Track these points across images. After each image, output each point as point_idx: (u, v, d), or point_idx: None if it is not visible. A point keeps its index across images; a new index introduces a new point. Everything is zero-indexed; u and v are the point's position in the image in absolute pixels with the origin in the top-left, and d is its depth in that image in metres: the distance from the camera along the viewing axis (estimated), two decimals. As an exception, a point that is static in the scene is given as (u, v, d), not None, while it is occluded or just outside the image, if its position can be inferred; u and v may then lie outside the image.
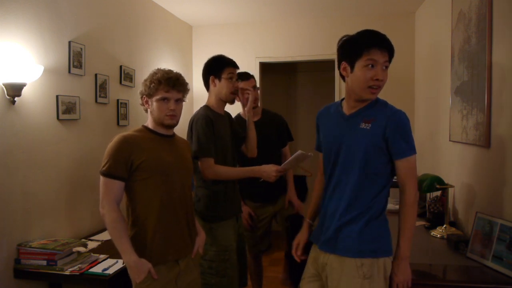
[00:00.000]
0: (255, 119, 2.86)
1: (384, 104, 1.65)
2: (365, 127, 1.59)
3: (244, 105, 2.78)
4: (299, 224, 2.42)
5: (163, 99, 1.76)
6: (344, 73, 1.63)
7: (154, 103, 1.78)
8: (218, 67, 2.32)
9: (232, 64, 2.35)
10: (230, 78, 2.32)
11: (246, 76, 2.78)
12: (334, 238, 1.62)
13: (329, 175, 1.70)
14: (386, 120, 1.57)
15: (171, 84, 1.76)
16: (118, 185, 1.68)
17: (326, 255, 1.64)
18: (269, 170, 2.24)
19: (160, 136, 1.82)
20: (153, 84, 1.76)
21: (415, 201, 1.61)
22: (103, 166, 1.68)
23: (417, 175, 1.63)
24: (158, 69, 1.83)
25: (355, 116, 1.64)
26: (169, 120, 1.79)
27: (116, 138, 1.72)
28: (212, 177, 2.21)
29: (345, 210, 1.61)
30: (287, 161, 2.29)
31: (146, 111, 1.85)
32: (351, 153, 1.61)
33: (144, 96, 1.81)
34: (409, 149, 1.58)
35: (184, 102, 1.88)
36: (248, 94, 2.67)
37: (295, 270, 2.45)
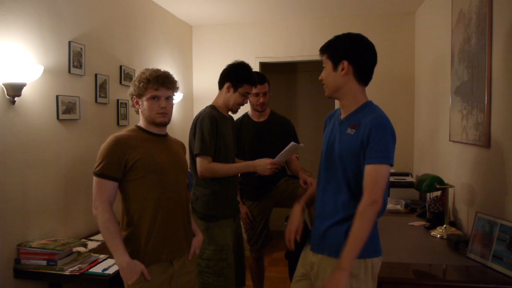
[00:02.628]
0: (261, 119, 2.89)
1: (372, 109, 1.62)
2: (350, 133, 1.58)
3: (255, 108, 2.83)
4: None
5: (153, 97, 1.75)
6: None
7: (145, 103, 1.77)
8: (239, 79, 2.34)
9: (252, 82, 2.37)
10: (244, 95, 2.36)
11: (261, 81, 2.80)
12: (323, 239, 1.63)
13: (318, 179, 1.71)
14: (366, 124, 1.55)
15: (160, 82, 1.75)
16: (111, 185, 1.68)
17: (315, 255, 1.65)
18: (263, 164, 2.28)
19: (153, 135, 1.81)
20: (142, 84, 1.75)
21: (366, 211, 1.47)
22: (96, 167, 1.68)
23: (383, 189, 1.49)
24: (146, 69, 1.82)
25: (345, 121, 1.64)
26: (160, 118, 1.78)
27: (109, 138, 1.72)
28: (208, 174, 2.23)
29: (331, 213, 1.62)
30: (280, 153, 2.32)
31: (137, 112, 1.84)
32: (336, 157, 1.61)
33: (134, 96, 1.80)
34: (380, 156, 1.49)
35: (176, 100, 1.87)
36: (261, 99, 2.79)
37: (293, 269, 2.45)
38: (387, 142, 1.50)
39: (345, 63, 1.57)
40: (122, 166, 1.68)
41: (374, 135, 1.50)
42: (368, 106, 1.63)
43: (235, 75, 2.35)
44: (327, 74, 1.65)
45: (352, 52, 1.59)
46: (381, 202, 1.49)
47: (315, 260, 1.65)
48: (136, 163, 1.69)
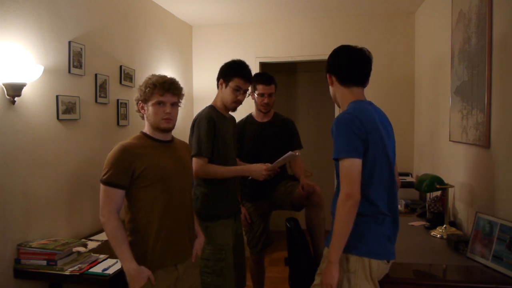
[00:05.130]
0: (265, 120, 2.89)
1: (348, 107, 1.72)
2: None
3: (258, 108, 2.81)
4: (298, 227, 2.42)
5: (159, 103, 1.77)
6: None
7: (150, 108, 1.78)
8: (229, 73, 2.32)
9: (242, 76, 2.31)
10: (236, 90, 2.31)
11: (268, 81, 2.78)
12: (329, 233, 1.67)
13: None
14: None
15: (166, 88, 1.76)
16: (119, 193, 1.69)
17: (326, 248, 1.71)
18: (258, 169, 2.27)
19: (159, 142, 1.82)
20: (148, 89, 1.76)
21: (343, 204, 1.55)
22: (104, 175, 1.69)
23: (352, 181, 1.55)
24: (152, 74, 1.84)
25: None
26: (165, 124, 1.79)
27: (116, 147, 1.72)
28: (203, 175, 2.23)
29: (333, 211, 1.67)
30: (277, 160, 2.32)
31: (143, 117, 1.85)
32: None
33: (140, 102, 1.81)
34: (335, 152, 1.61)
35: (180, 107, 1.88)
36: (266, 99, 2.75)
37: (293, 275, 2.45)
38: (339, 137, 1.61)
39: (328, 75, 1.81)
40: (130, 175, 1.69)
41: (332, 132, 1.64)
42: (349, 105, 1.72)
43: (226, 69, 2.34)
44: (330, 91, 1.85)
45: (328, 65, 1.81)
46: (354, 195, 1.54)
47: (326, 254, 1.72)
48: (144, 171, 1.70)
